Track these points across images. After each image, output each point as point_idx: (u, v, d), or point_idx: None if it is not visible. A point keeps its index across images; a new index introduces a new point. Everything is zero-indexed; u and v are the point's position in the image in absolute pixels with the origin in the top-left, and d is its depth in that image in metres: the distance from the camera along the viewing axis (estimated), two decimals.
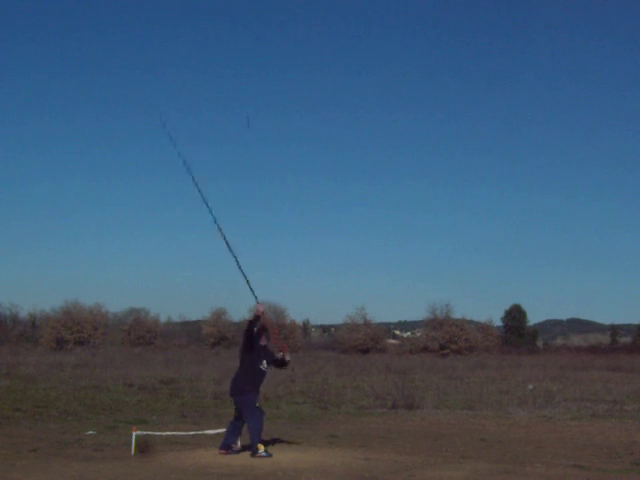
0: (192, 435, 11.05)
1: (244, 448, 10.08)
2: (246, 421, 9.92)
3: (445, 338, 57.74)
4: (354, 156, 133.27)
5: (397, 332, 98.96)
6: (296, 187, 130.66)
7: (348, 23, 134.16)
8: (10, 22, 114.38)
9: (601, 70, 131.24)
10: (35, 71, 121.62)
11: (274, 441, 10.87)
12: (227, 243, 10.12)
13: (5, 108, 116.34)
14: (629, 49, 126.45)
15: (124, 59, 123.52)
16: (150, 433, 11.10)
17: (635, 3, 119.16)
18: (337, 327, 75.49)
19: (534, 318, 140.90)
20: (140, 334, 59.22)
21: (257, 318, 10.03)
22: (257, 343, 10.07)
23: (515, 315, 71.68)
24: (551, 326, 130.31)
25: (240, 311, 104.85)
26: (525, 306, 72.54)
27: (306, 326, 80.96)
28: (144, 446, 10.16)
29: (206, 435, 11.63)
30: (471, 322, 62.38)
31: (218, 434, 11.09)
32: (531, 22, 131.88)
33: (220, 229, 10.15)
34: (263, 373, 10.11)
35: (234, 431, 10.11)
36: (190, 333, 66.77)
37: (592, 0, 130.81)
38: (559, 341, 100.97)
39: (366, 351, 56.76)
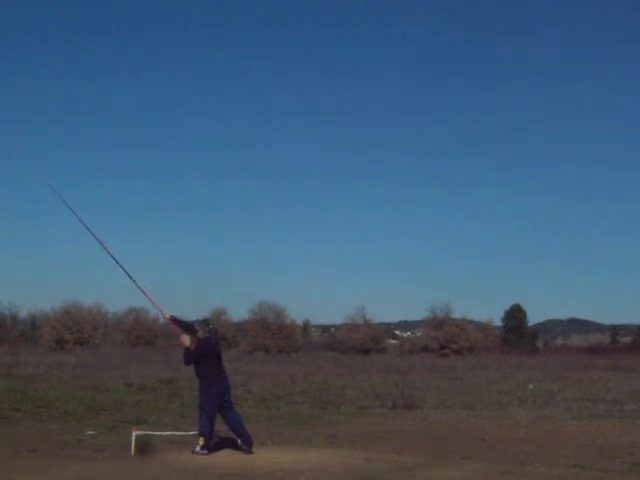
0: (192, 435, 11.02)
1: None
2: None
3: (445, 338, 57.67)
4: (354, 157, 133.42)
5: (397, 332, 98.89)
6: (296, 187, 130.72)
7: (349, 24, 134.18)
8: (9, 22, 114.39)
9: (602, 71, 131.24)
10: (35, 71, 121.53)
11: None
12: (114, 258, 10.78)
13: (6, 109, 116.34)
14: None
15: (125, 60, 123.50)
16: (150, 433, 11.08)
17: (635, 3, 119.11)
18: (337, 327, 75.40)
19: (534, 318, 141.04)
20: (140, 334, 59.08)
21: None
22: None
23: (515, 315, 71.53)
24: (551, 326, 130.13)
25: (240, 311, 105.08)
26: (525, 306, 72.33)
27: (306, 326, 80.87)
28: (144, 446, 10.16)
29: None
30: (471, 322, 62.32)
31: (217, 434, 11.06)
32: (530, 22, 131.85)
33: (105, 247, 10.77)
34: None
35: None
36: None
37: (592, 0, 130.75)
38: (559, 341, 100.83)
39: (366, 351, 56.70)
